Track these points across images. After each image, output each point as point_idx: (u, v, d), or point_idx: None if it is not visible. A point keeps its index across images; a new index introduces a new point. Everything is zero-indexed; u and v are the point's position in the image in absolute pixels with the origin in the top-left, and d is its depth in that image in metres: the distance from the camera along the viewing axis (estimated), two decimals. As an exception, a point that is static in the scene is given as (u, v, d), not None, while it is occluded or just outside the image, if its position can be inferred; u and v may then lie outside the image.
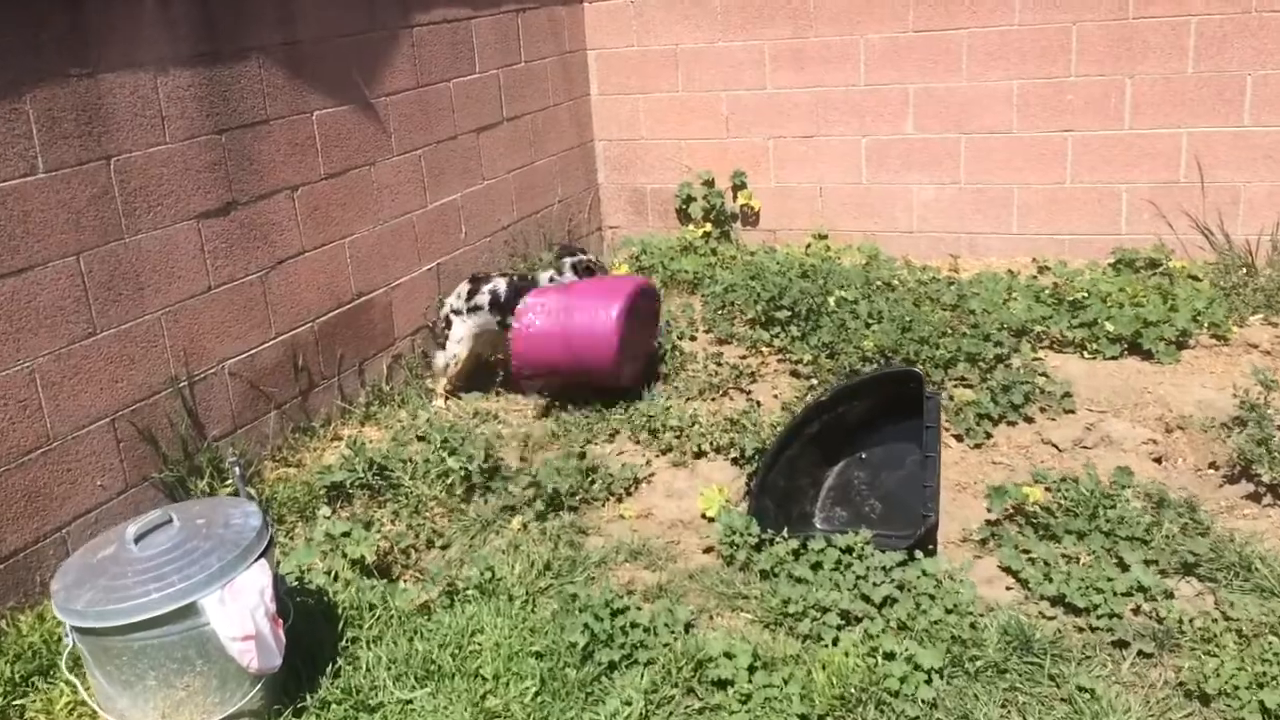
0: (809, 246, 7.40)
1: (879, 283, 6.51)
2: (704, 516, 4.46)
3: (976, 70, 6.74)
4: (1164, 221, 6.61)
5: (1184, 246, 6.56)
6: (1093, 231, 6.79)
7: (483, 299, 5.69)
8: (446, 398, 5.72)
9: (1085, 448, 4.82)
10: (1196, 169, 6.45)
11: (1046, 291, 6.11)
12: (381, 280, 5.73)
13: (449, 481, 4.69)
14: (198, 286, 4.62)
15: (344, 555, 4.04)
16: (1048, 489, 4.27)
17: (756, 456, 4.68)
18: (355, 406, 5.54)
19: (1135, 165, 6.58)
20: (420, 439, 5.05)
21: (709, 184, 7.60)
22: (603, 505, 4.63)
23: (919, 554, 3.84)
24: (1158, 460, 4.65)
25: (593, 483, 4.70)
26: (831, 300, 5.88)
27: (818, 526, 4.32)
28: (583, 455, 4.81)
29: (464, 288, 5.77)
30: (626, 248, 7.60)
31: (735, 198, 7.60)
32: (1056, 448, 4.86)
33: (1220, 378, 5.23)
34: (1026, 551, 3.92)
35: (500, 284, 5.74)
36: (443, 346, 5.75)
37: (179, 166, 4.48)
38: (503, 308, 5.64)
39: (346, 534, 4.12)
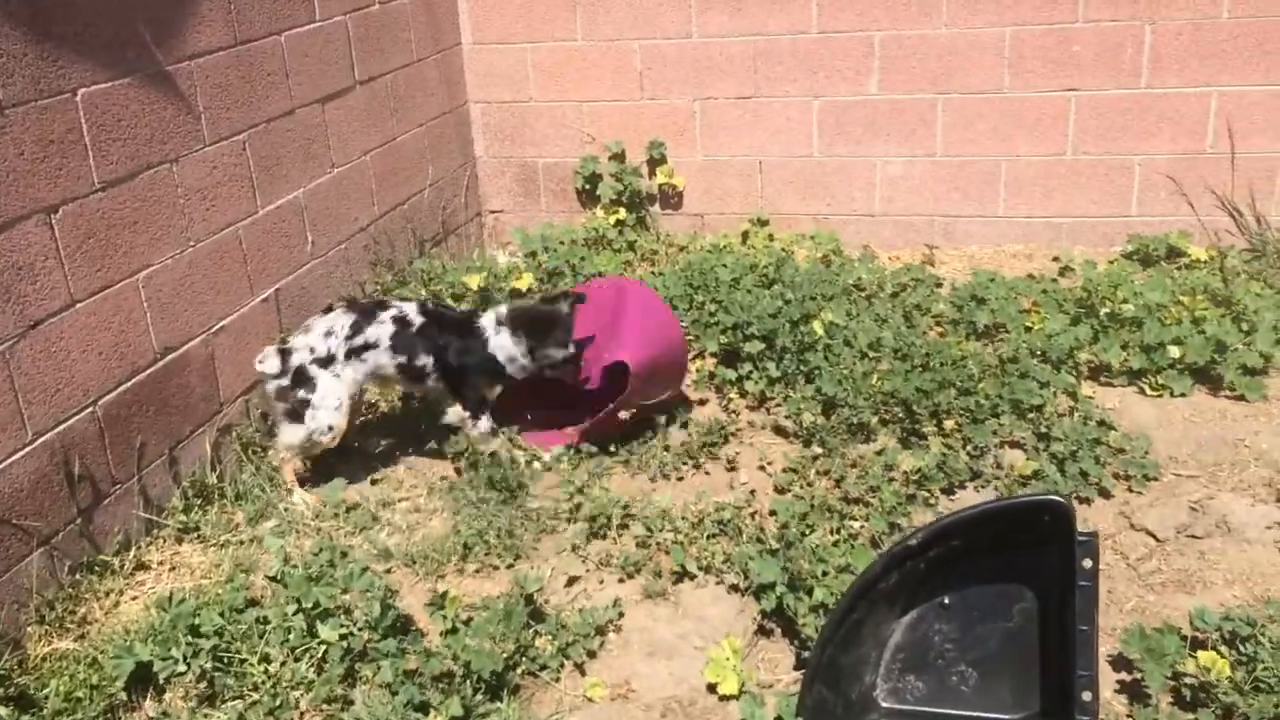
0: (747, 235, 5.95)
1: (848, 287, 5.13)
2: (713, 691, 3.04)
3: (959, 14, 5.37)
4: (1184, 200, 5.43)
5: (1205, 230, 5.40)
6: (1098, 214, 5.56)
7: (380, 332, 4.05)
8: (301, 485, 4.07)
9: (1194, 537, 3.57)
10: (1227, 136, 5.28)
11: (1070, 298, 4.84)
12: (197, 325, 4.01)
13: (320, 655, 3.11)
14: (-113, 386, 2.86)
15: None
16: (1211, 643, 2.98)
17: (769, 588, 3.25)
18: (168, 515, 3.85)
19: (1153, 132, 5.36)
20: (274, 579, 3.39)
21: (619, 158, 6.05)
22: (557, 678, 3.14)
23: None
24: (1306, 558, 3.45)
25: (536, 636, 3.20)
26: (818, 325, 4.45)
27: (883, 706, 2.94)
28: (529, 600, 3.26)
29: (338, 322, 4.03)
30: (517, 240, 5.99)
31: (653, 175, 6.07)
32: (1154, 537, 3.61)
33: (1327, 419, 4.08)
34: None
35: (409, 309, 4.12)
36: (297, 416, 4.01)
37: None
38: (414, 343, 4.06)
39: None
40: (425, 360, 4.08)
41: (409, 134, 5.53)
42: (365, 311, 4.09)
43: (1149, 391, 4.30)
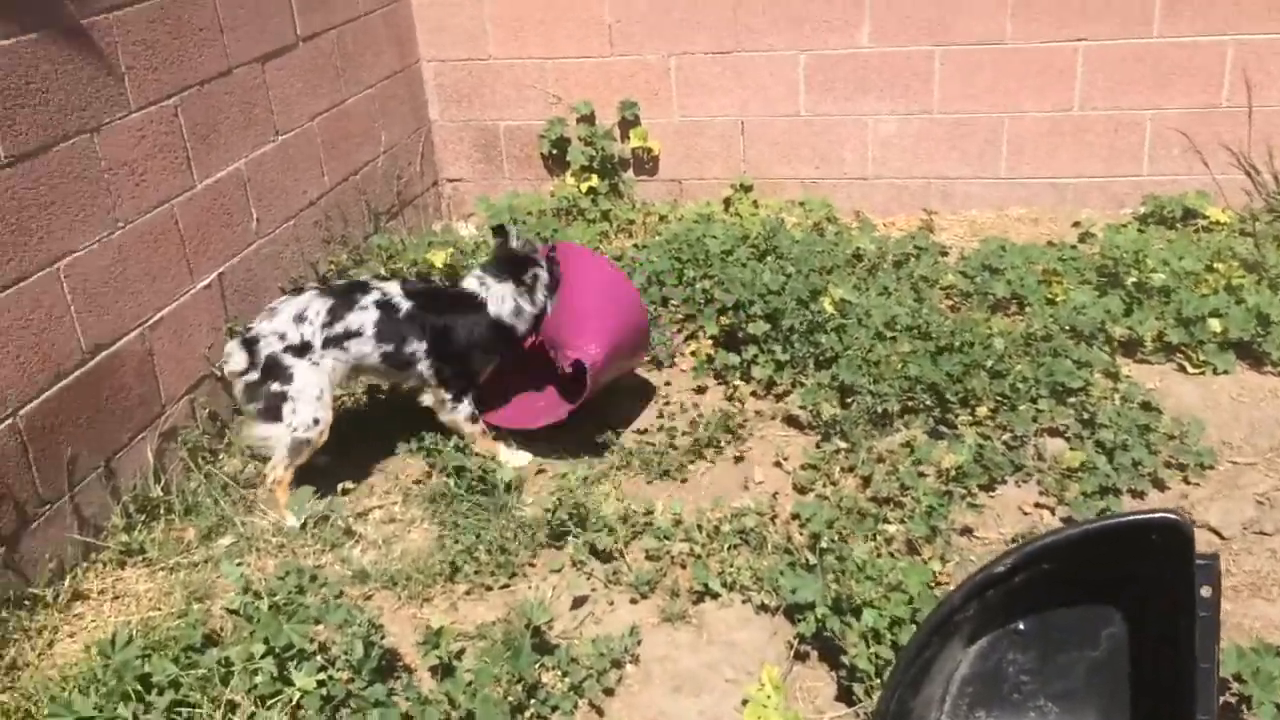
0: (729, 202, 5.52)
1: (848, 258, 4.73)
2: (752, 734, 2.64)
3: (959, -42, 4.96)
4: (1198, 158, 5.09)
5: (1221, 189, 5.07)
6: (1107, 173, 5.21)
7: (363, 319, 3.55)
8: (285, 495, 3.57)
9: (1263, 534, 3.24)
10: (1244, 89, 4.94)
11: (1091, 265, 4.48)
12: (131, 318, 3.49)
13: (294, 703, 2.65)
14: None
15: None
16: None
17: (807, 608, 2.85)
18: (107, 536, 3.34)
19: (1166, 85, 5.01)
20: (233, 613, 2.91)
21: (588, 120, 5.56)
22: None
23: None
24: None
25: (543, 670, 2.78)
26: (827, 303, 4.04)
27: (948, 748, 2.56)
28: (535, 632, 2.82)
29: (311, 306, 3.52)
30: (481, 211, 5.49)
31: (626, 138, 5.59)
32: (1219, 535, 3.28)
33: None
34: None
35: (392, 290, 3.65)
36: (274, 414, 3.48)
37: None
38: (401, 329, 3.59)
39: None
40: (415, 347, 3.62)
41: (358, 96, 4.99)
42: (342, 295, 3.59)
43: (1189, 369, 3.96)
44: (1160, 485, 3.42)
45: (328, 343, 3.50)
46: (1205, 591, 2.26)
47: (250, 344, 3.46)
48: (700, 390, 4.09)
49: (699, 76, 5.41)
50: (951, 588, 2.71)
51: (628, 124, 5.56)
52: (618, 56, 5.45)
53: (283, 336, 3.47)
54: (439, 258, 4.80)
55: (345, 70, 4.88)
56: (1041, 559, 2.38)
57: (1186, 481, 3.45)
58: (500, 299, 3.72)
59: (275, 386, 3.46)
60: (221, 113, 3.97)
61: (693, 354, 4.21)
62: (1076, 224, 5.06)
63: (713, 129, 5.51)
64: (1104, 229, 4.75)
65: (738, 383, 3.97)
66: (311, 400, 3.47)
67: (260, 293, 4.16)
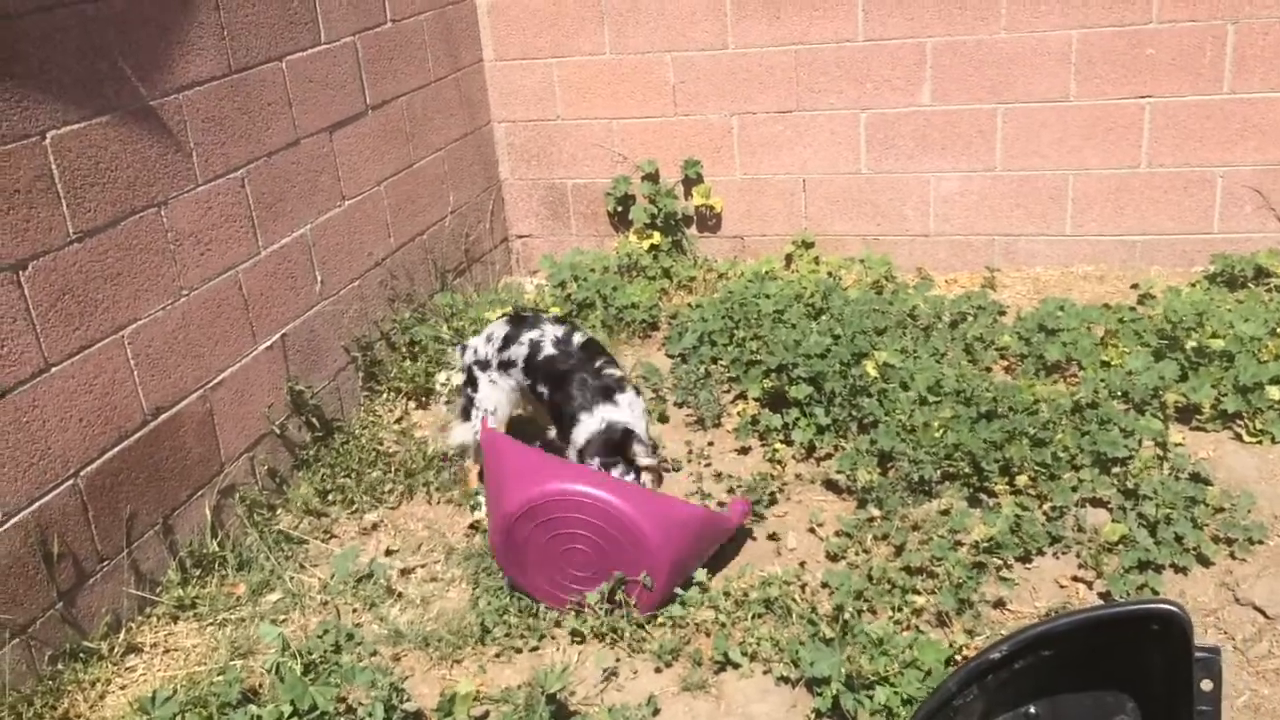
0: (790, 259, 5.55)
1: (903, 317, 4.70)
2: (763, 813, 2.64)
3: (1021, 16, 4.93)
4: (1271, 215, 4.95)
5: (1297, 247, 4.92)
6: (1176, 230, 5.09)
7: (518, 353, 3.94)
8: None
9: (1311, 614, 3.13)
10: (1319, 145, 4.80)
11: (1150, 328, 4.38)
12: (193, 381, 3.68)
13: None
14: None
15: None
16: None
17: (823, 682, 2.85)
18: (162, 590, 3.52)
19: (1237, 141, 4.88)
20: (275, 674, 3.04)
21: (652, 178, 5.67)
22: (584, 791, 2.76)
23: None
24: None
25: (561, 738, 2.84)
26: (870, 366, 4.04)
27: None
28: (551, 699, 2.88)
29: (496, 330, 4.04)
30: (545, 268, 5.62)
31: (689, 195, 5.67)
32: (1264, 614, 3.16)
33: None
34: None
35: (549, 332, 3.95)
36: (466, 415, 4.04)
37: None
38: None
39: None
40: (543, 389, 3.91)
41: (427, 159, 5.19)
42: (516, 325, 3.98)
43: (1246, 438, 3.84)
44: (1205, 561, 3.32)
45: (500, 366, 3.94)
46: (1205, 685, 2.20)
47: (463, 350, 4.07)
48: (743, 451, 4.12)
49: (761, 135, 5.47)
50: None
51: (691, 182, 5.64)
52: (681, 116, 5.55)
53: (476, 351, 4.01)
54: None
55: (415, 135, 5.07)
56: (1039, 645, 2.34)
57: (1233, 557, 3.34)
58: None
59: (469, 392, 4.01)
60: (288, 182, 4.17)
61: (739, 414, 4.25)
62: (1135, 286, 4.95)
63: (774, 186, 5.55)
64: (1164, 290, 4.63)
65: (778, 445, 3.98)
66: (489, 414, 3.94)
67: (322, 352, 4.34)
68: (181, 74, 3.59)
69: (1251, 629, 3.12)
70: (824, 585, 3.32)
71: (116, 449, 3.36)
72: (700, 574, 3.36)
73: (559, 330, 3.88)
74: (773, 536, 3.64)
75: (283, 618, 3.46)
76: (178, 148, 3.59)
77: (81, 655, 3.23)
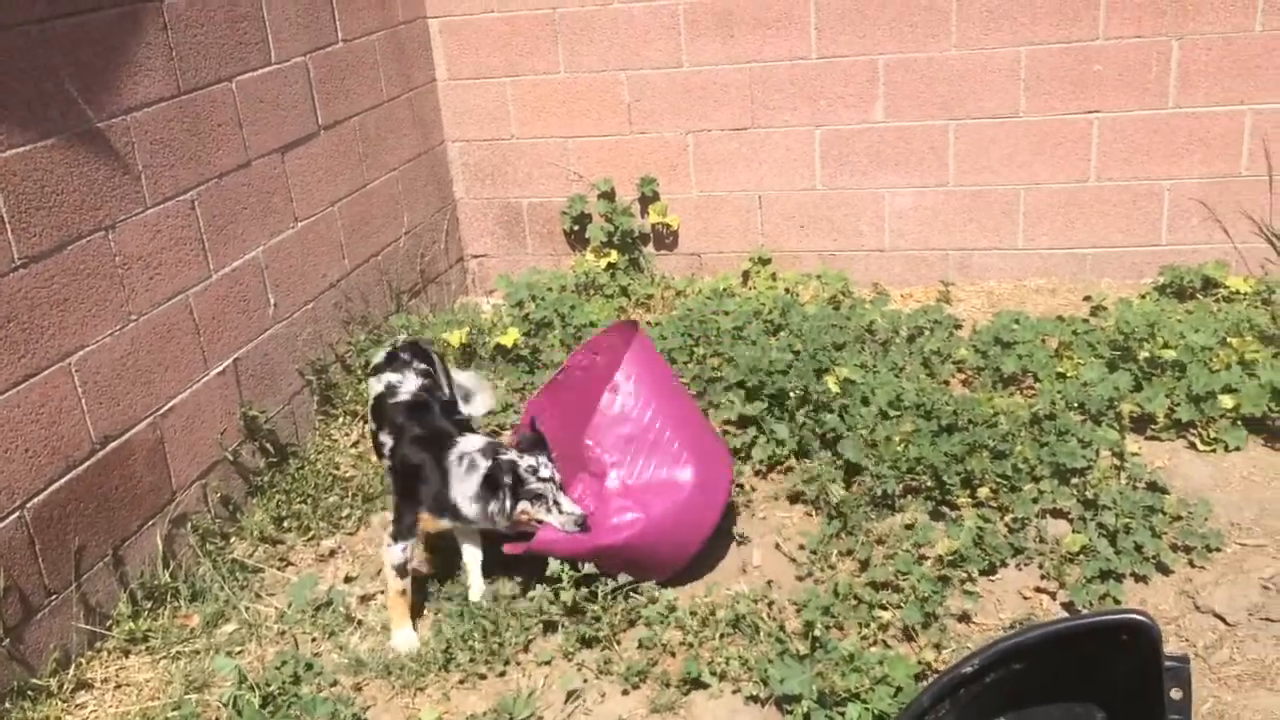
0: (748, 275, 5.55)
1: (860, 332, 4.72)
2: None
3: (970, 34, 4.98)
4: (1218, 227, 5.03)
5: (1244, 258, 5.00)
6: (1125, 243, 5.16)
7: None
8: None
9: (1269, 620, 3.16)
10: (1263, 157, 4.88)
11: (1104, 339, 4.43)
12: (142, 408, 3.59)
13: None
14: None
15: None
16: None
17: (794, 700, 2.83)
18: (113, 624, 3.42)
19: (1183, 155, 4.97)
20: (232, 708, 2.96)
21: (608, 196, 5.65)
22: (552, 819, 2.71)
23: None
24: (1400, 645, 3.03)
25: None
26: (831, 382, 4.04)
27: None
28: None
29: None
30: (503, 288, 5.57)
31: (645, 213, 5.67)
32: (1224, 621, 3.19)
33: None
34: None
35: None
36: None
37: None
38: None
39: None
40: None
41: (381, 179, 5.13)
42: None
43: (1200, 446, 3.89)
44: (1164, 569, 3.35)
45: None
46: (1175, 694, 2.21)
47: None
48: (706, 470, 4.10)
49: (717, 152, 5.48)
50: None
51: (647, 200, 5.64)
52: (636, 134, 5.55)
53: None
54: (456, 337, 4.89)
55: (368, 155, 5.02)
56: (1010, 659, 2.35)
57: (1192, 565, 3.37)
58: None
59: None
60: (239, 203, 4.10)
61: (700, 433, 4.22)
62: (1088, 298, 5.01)
63: (730, 204, 5.56)
64: (1115, 302, 4.69)
65: (741, 466, 3.97)
66: None
67: (276, 376, 4.26)
68: (130, 95, 3.52)
69: (1212, 636, 3.15)
70: (791, 602, 3.30)
71: (64, 479, 3.27)
72: (668, 594, 3.33)
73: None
74: (740, 548, 3.62)
75: (239, 649, 3.38)
76: (126, 170, 3.52)
77: (30, 693, 3.12)
